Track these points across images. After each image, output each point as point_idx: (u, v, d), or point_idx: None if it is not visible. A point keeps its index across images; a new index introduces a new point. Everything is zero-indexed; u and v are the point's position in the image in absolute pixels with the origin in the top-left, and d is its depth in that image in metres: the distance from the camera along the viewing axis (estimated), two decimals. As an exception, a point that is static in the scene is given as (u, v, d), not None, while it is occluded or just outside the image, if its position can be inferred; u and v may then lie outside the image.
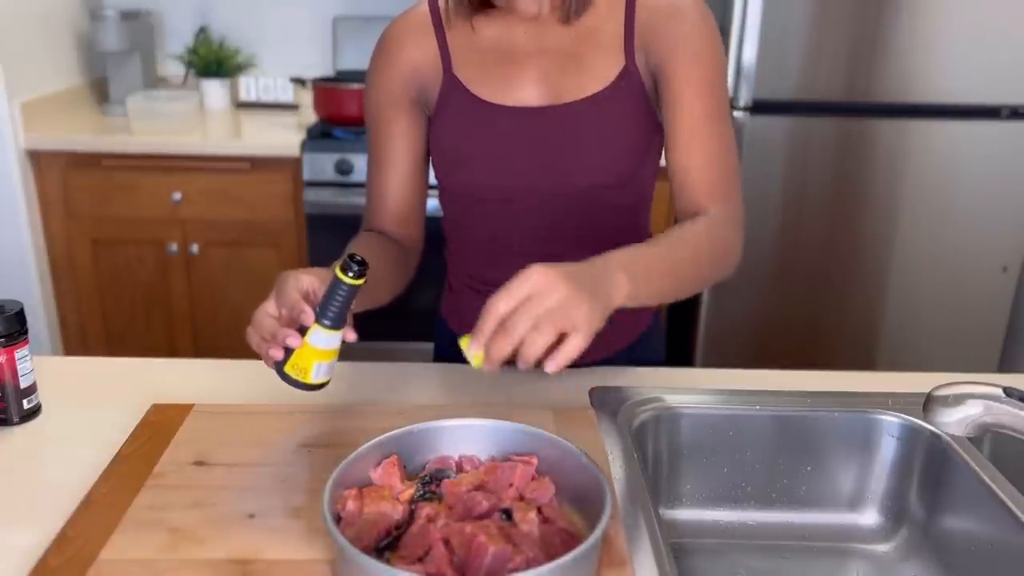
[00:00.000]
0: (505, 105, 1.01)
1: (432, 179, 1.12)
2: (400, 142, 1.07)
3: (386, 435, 0.79)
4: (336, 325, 0.83)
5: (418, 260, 1.13)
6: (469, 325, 1.12)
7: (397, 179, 1.08)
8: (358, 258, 0.81)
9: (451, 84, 1.03)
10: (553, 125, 1.01)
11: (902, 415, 0.99)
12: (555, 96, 1.01)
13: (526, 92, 1.02)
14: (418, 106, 1.06)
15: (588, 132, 1.01)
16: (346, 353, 1.08)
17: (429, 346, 1.27)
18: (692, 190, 0.97)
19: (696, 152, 0.97)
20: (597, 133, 1.01)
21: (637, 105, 1.01)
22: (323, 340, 0.83)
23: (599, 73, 1.01)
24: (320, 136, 2.42)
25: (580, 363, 1.12)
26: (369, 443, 0.77)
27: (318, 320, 0.82)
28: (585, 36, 1.02)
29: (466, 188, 1.06)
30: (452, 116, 1.03)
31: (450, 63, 1.03)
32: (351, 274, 0.81)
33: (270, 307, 0.85)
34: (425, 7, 1.06)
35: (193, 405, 0.97)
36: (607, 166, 1.02)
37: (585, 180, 1.02)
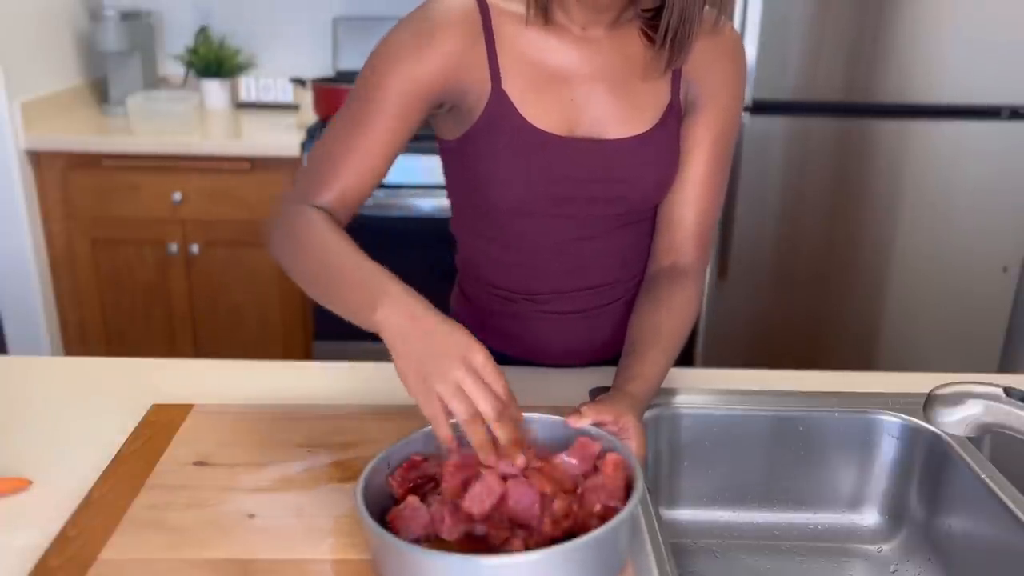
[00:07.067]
0: (555, 134, 0.96)
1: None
2: (399, 124, 0.94)
3: (419, 432, 0.79)
4: None
5: None
6: (485, 326, 1.11)
7: (372, 160, 0.94)
8: None
9: (499, 101, 0.95)
10: (602, 159, 0.98)
11: (902, 415, 0.99)
12: (605, 129, 0.98)
13: (576, 121, 0.97)
14: (434, 104, 0.96)
15: (635, 168, 1.00)
16: (343, 354, 1.07)
17: None
18: (680, 239, 1.04)
19: (694, 208, 1.03)
20: (643, 170, 1.00)
21: (676, 140, 1.02)
22: None
23: (647, 108, 0.99)
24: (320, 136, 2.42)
25: (584, 362, 1.13)
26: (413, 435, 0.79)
27: None
28: (636, 64, 0.98)
29: (499, 208, 1.02)
30: (497, 136, 0.96)
31: (499, 75, 0.95)
32: None
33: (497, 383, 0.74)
34: (473, 1, 0.95)
35: (193, 405, 0.97)
36: (647, 198, 1.03)
37: (624, 208, 1.02)
